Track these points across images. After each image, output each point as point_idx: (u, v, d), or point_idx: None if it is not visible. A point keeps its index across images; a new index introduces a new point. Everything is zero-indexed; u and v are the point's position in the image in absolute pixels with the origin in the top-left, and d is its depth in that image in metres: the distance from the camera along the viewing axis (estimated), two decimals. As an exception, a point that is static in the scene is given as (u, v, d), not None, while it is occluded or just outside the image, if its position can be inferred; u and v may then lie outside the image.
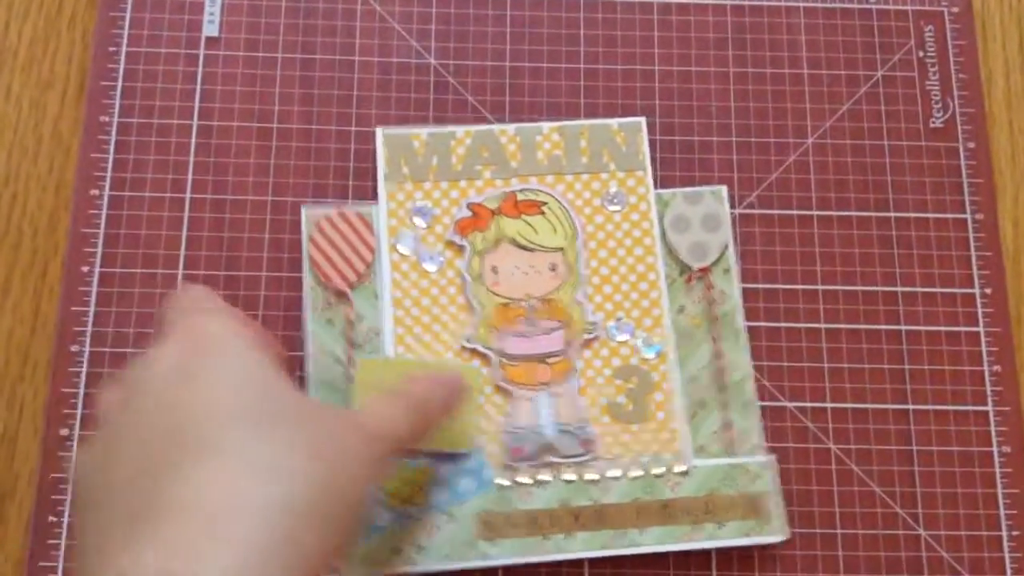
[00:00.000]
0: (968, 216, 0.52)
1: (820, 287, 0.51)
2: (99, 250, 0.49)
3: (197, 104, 0.52)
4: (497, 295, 0.48)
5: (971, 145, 0.53)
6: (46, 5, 0.54)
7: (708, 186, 0.51)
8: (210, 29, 0.53)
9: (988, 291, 0.51)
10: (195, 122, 0.51)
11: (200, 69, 0.52)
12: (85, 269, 0.49)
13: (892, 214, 0.52)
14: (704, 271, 0.49)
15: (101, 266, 0.49)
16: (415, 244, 0.49)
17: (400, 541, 0.44)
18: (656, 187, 0.51)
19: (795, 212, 0.52)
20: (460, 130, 0.50)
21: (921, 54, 0.54)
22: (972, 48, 0.55)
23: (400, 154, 0.50)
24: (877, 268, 0.51)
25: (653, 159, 0.51)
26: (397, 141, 0.50)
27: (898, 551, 0.47)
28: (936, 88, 0.54)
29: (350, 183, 0.51)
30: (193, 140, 0.51)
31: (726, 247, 0.50)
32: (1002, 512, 0.48)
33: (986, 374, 0.50)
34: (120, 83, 0.52)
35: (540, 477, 0.46)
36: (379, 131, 0.50)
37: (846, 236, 0.51)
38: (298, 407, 0.33)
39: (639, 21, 0.54)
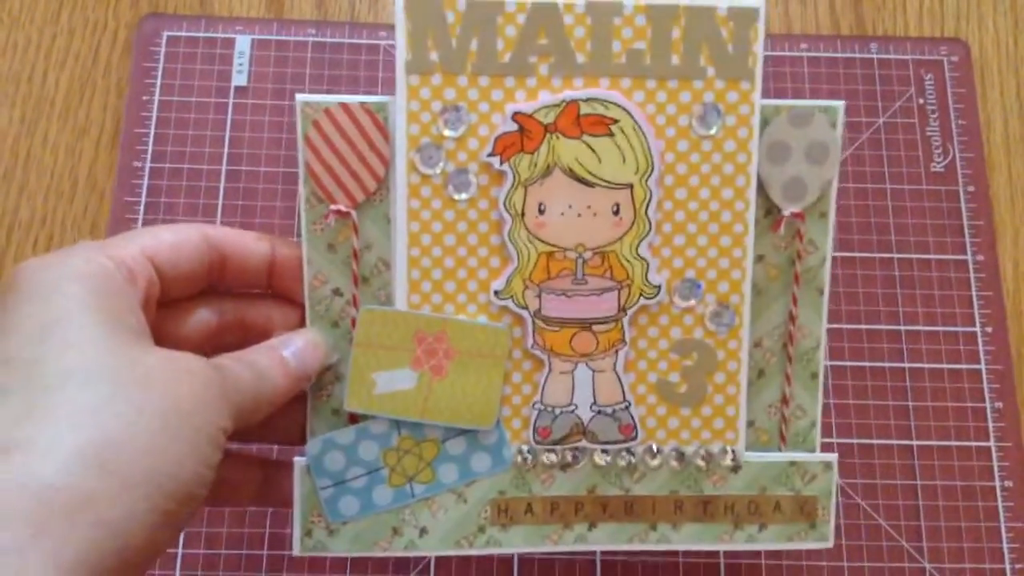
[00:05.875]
0: (969, 257, 0.54)
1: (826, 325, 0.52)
2: (131, 289, 0.51)
3: (226, 150, 0.54)
4: (541, 240, 0.38)
5: (971, 188, 0.55)
6: (83, 55, 0.56)
7: (820, 100, 0.39)
8: (239, 79, 0.55)
9: (989, 330, 0.53)
10: (224, 167, 0.54)
11: (229, 116, 0.54)
12: (118, 308, 0.51)
13: (895, 255, 0.54)
14: (798, 216, 0.39)
15: (133, 305, 0.51)
16: (442, 162, 0.38)
17: (399, 521, 0.39)
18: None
19: (801, 253, 0.54)
20: (511, 1, 0.37)
21: (921, 101, 0.56)
22: (971, 95, 0.57)
23: (428, 30, 0.37)
24: (881, 307, 0.53)
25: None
26: (425, 9, 0.37)
27: (904, 583, 0.49)
28: (936, 134, 0.56)
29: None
30: (222, 184, 0.53)
31: (829, 185, 0.39)
32: (1005, 545, 0.49)
33: (988, 410, 0.51)
34: (153, 130, 0.54)
35: (567, 460, 0.39)
36: None
37: (850, 276, 0.53)
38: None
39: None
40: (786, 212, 0.39)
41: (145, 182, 0.53)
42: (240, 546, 0.48)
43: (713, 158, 0.38)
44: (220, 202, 0.53)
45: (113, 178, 0.54)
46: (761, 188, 0.39)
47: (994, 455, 0.51)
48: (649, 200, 0.38)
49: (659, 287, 0.39)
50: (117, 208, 0.52)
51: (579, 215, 0.38)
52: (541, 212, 0.38)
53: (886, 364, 0.52)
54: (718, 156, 0.38)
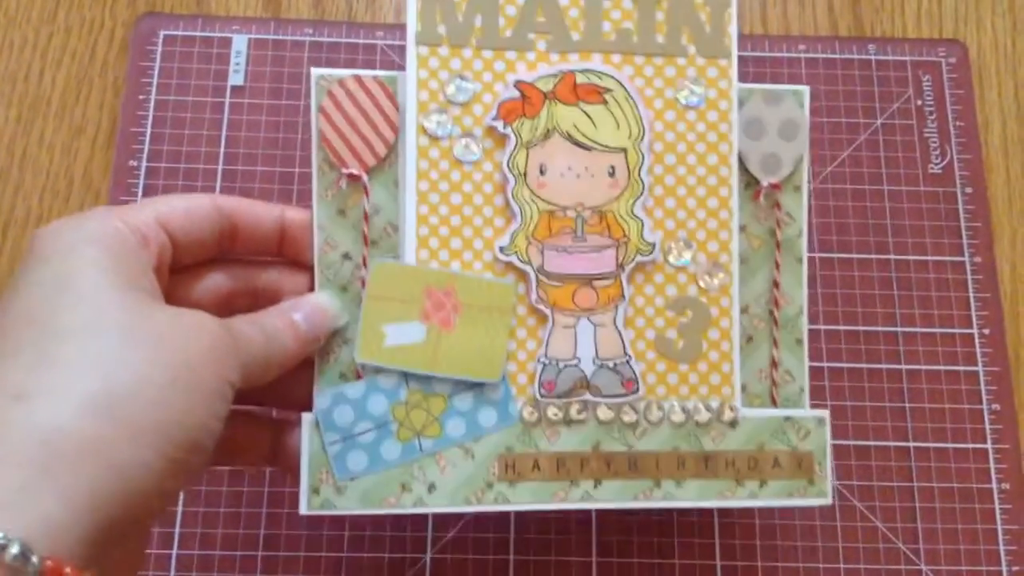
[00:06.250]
0: (966, 259, 0.54)
1: (822, 327, 0.52)
2: (127, 289, 0.51)
3: (222, 149, 0.54)
4: (542, 199, 0.40)
5: (969, 190, 0.55)
6: (79, 54, 0.56)
7: (789, 85, 0.44)
8: (235, 78, 0.55)
9: (986, 331, 0.52)
10: (220, 167, 0.53)
11: (225, 116, 0.54)
12: (113, 307, 0.51)
13: (892, 256, 0.53)
14: (775, 187, 0.42)
15: (129, 304, 0.51)
16: (449, 126, 0.40)
17: (408, 477, 0.39)
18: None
19: (798, 254, 0.53)
20: None
21: (919, 103, 0.56)
22: (969, 97, 0.57)
23: (436, 7, 0.41)
24: (878, 309, 0.53)
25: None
26: None
27: (900, 586, 0.49)
28: (934, 135, 0.56)
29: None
30: (218, 184, 0.53)
31: (801, 160, 0.43)
32: (1002, 547, 0.49)
33: (985, 412, 0.51)
34: (149, 129, 0.54)
35: (572, 415, 0.40)
36: None
37: (847, 277, 0.53)
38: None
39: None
40: (764, 183, 0.42)
41: (141, 181, 0.53)
42: (235, 547, 0.48)
43: (698, 127, 0.42)
44: (216, 202, 0.53)
45: (109, 177, 0.53)
46: (741, 163, 0.42)
47: (991, 457, 0.50)
48: (642, 163, 0.41)
49: (654, 244, 0.41)
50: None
51: (578, 176, 0.41)
52: (542, 173, 0.40)
53: (883, 366, 0.52)
54: (702, 125, 0.42)
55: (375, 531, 0.48)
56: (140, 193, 0.52)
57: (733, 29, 0.42)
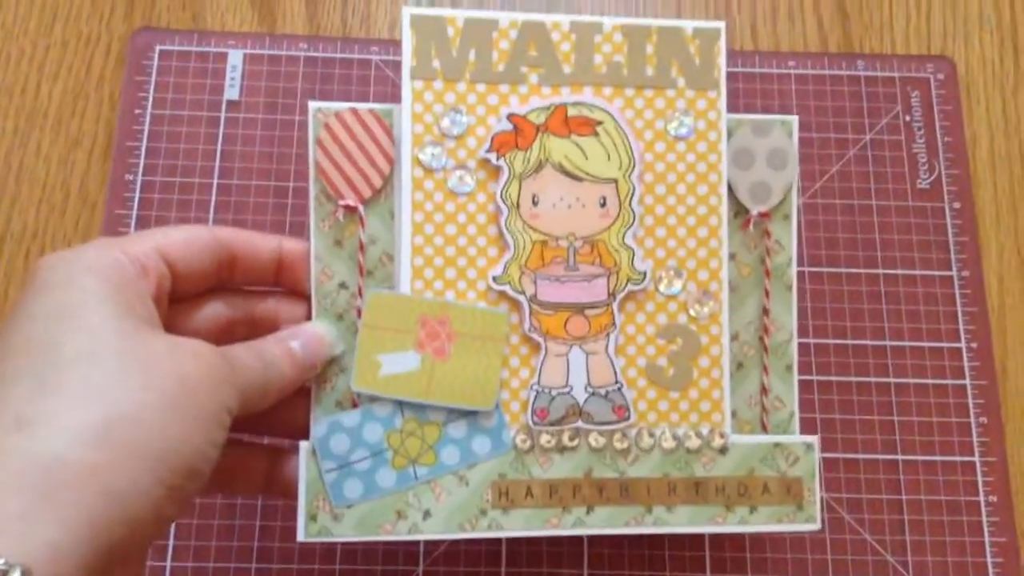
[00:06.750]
0: (954, 273, 0.54)
1: (812, 340, 0.52)
2: (122, 302, 0.51)
3: (217, 163, 0.54)
4: (535, 230, 0.41)
5: (956, 205, 0.55)
6: (76, 67, 0.56)
7: (777, 115, 0.44)
8: (231, 93, 0.55)
9: (974, 345, 0.53)
10: (215, 180, 0.54)
11: (221, 130, 0.55)
12: (109, 320, 0.51)
13: (881, 271, 0.54)
14: (764, 216, 0.43)
15: (124, 317, 0.51)
16: (443, 158, 0.41)
17: (404, 504, 0.40)
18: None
19: (788, 268, 0.54)
20: (504, 18, 0.42)
21: (908, 118, 0.57)
22: (957, 112, 0.57)
23: (431, 42, 0.42)
24: (867, 323, 0.53)
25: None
26: (428, 25, 0.42)
27: (888, 598, 0.49)
28: (923, 150, 0.56)
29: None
30: (213, 198, 0.53)
31: (790, 189, 0.43)
32: (989, 560, 0.49)
33: (973, 426, 0.52)
34: (145, 143, 0.54)
35: (564, 441, 0.41)
36: (406, 11, 0.42)
37: (836, 292, 0.54)
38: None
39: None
40: (754, 212, 0.43)
41: (136, 195, 0.53)
42: (229, 560, 0.48)
43: (687, 158, 0.42)
44: (211, 216, 0.53)
45: (105, 190, 0.54)
46: (730, 191, 0.43)
47: (979, 470, 0.51)
48: (632, 193, 0.42)
49: (645, 273, 0.41)
50: (108, 220, 0.53)
51: (569, 207, 0.41)
52: (535, 204, 0.41)
53: (872, 379, 0.52)
54: (692, 156, 0.42)
55: (368, 544, 0.48)
56: (136, 206, 0.53)
57: (722, 61, 0.43)
